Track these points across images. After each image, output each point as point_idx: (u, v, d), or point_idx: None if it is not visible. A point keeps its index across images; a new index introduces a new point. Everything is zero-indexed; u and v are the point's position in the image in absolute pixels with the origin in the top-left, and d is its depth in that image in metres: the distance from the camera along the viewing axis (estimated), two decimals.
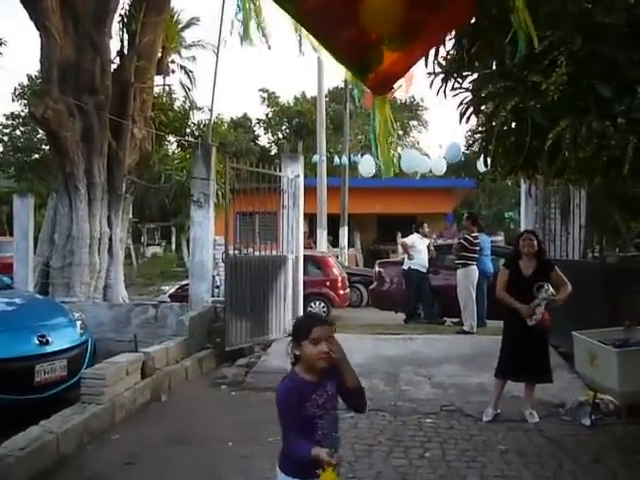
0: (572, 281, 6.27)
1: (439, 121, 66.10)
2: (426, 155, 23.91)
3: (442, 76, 4.38)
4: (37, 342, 6.44)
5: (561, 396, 6.66)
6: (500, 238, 24.33)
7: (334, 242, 22.82)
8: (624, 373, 5.21)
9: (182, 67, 17.83)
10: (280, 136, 43.20)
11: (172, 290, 13.96)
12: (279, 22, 3.02)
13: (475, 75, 4.23)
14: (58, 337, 6.72)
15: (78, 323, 7.30)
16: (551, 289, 5.91)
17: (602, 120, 3.16)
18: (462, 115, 4.27)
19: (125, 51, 12.44)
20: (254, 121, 43.99)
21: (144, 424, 6.07)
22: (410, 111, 44.40)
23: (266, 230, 10.69)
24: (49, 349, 6.51)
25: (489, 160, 4.50)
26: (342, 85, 28.82)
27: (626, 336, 5.76)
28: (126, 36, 12.48)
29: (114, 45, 12.92)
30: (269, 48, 2.87)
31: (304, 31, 3.22)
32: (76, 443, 5.27)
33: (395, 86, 3.30)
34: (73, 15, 11.29)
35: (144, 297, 15.47)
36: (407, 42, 3.09)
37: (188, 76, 17.92)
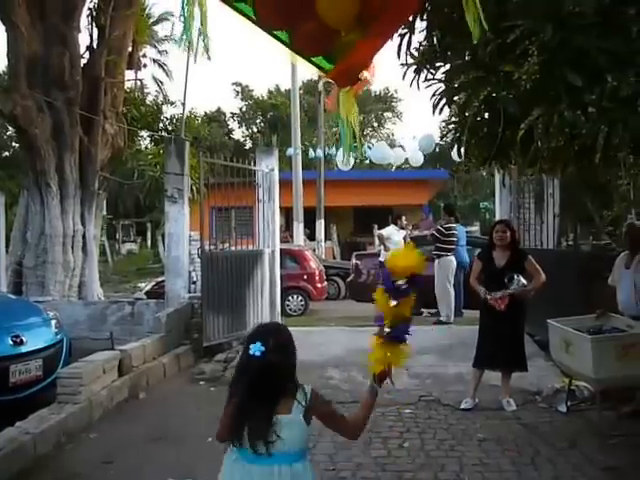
0: (546, 270, 6.33)
1: (414, 112, 66.28)
2: (401, 147, 23.91)
3: (415, 67, 4.38)
4: (11, 342, 6.34)
5: (537, 384, 6.74)
6: (475, 228, 24.53)
7: (311, 235, 22.81)
8: (598, 360, 5.27)
9: (155, 61, 17.71)
10: (254, 130, 43.10)
11: (148, 287, 13.88)
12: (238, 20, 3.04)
13: (447, 66, 4.24)
14: (33, 337, 6.63)
15: (53, 322, 7.21)
16: (522, 280, 5.98)
17: (574, 109, 3.18)
18: (435, 106, 4.28)
19: (95, 45, 12.24)
20: (228, 115, 43.82)
21: (122, 422, 6.02)
22: (384, 103, 44.49)
23: (242, 225, 10.65)
24: (24, 349, 6.42)
25: (462, 151, 4.52)
26: (316, 78, 28.77)
27: (600, 323, 5.85)
28: (95, 30, 12.28)
29: (83, 39, 12.76)
30: (209, 58, 2.90)
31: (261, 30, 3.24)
32: (53, 443, 5.21)
33: (361, 77, 3.31)
34: (40, 8, 11.07)
35: (120, 294, 15.33)
36: (364, 32, 3.11)
37: (163, 69, 17.78)
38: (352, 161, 21.59)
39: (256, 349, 2.44)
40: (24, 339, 6.46)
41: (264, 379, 2.45)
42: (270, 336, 2.54)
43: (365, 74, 3.31)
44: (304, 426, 2.50)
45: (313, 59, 3.49)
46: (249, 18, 3.22)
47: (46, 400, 5.91)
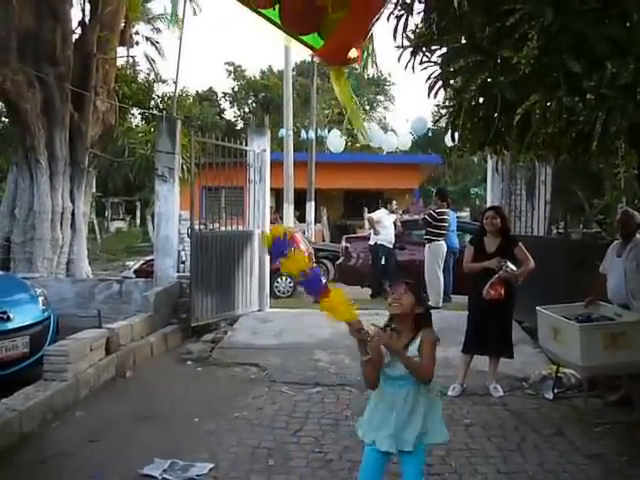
0: (537, 256, 6.35)
1: (406, 96, 66.09)
2: (393, 131, 23.85)
3: (411, 50, 4.32)
4: None
5: (525, 370, 6.78)
6: (466, 214, 24.59)
7: (301, 217, 22.76)
8: (586, 347, 5.29)
9: (147, 38, 17.49)
10: (246, 110, 42.81)
11: (137, 265, 13.77)
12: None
13: (444, 49, 4.18)
14: (19, 313, 6.58)
15: (40, 299, 7.15)
16: (511, 265, 5.99)
17: (572, 95, 3.15)
18: (430, 89, 4.22)
19: (87, 21, 12.07)
20: (220, 95, 43.49)
21: (109, 401, 6.00)
22: (377, 86, 44.30)
23: (232, 205, 10.60)
24: (10, 326, 6.38)
25: (457, 135, 4.49)
26: (309, 59, 28.59)
27: (589, 311, 5.87)
28: (88, 5, 12.11)
29: (75, 14, 12.57)
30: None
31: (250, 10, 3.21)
32: (39, 421, 5.18)
33: (350, 56, 3.29)
34: None
35: (108, 272, 15.25)
36: (350, 10, 3.08)
37: (155, 47, 17.57)
38: (341, 143, 21.54)
39: None
40: (11, 315, 6.41)
41: None
42: None
43: (354, 52, 3.28)
44: None
45: (303, 38, 3.46)
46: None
47: (32, 377, 5.87)
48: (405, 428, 3.21)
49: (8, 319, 6.38)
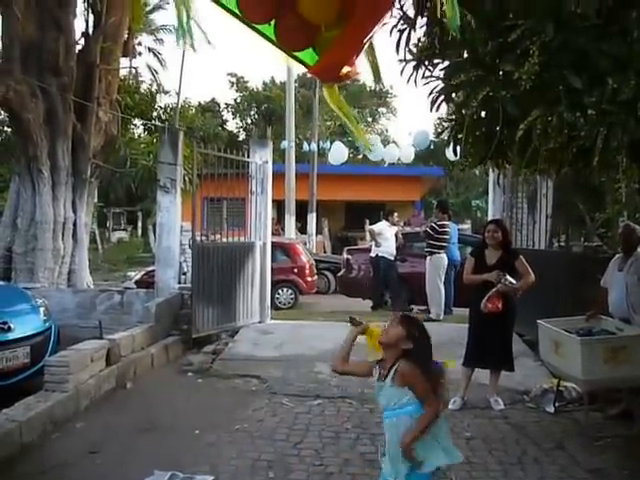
0: (538, 270, 6.35)
1: (408, 108, 66.21)
2: (394, 143, 23.91)
3: (413, 64, 4.36)
4: None
5: (526, 383, 6.76)
6: (467, 226, 24.55)
7: (302, 229, 22.79)
8: (587, 361, 5.29)
9: (150, 49, 17.54)
10: (249, 121, 42.92)
11: (138, 276, 13.79)
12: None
13: (446, 63, 4.22)
14: (21, 324, 6.58)
15: (41, 309, 7.16)
16: (510, 278, 6.00)
17: (573, 111, 3.17)
18: (433, 103, 4.26)
19: (90, 31, 12.13)
20: (222, 106, 43.61)
21: (109, 412, 5.99)
22: (379, 98, 44.43)
23: (234, 216, 10.61)
24: (11, 336, 6.38)
25: (459, 149, 4.51)
26: None
27: (590, 325, 5.87)
28: (91, 16, 12.18)
29: (79, 25, 12.59)
30: (209, 43, 3.01)
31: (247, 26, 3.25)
32: (40, 432, 5.17)
33: (342, 73, 3.32)
34: None
35: (109, 283, 15.28)
36: (344, 28, 3.12)
37: (157, 58, 17.62)
38: (344, 154, 21.60)
39: None
40: (12, 326, 6.41)
41: None
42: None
43: (347, 70, 3.32)
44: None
45: (297, 55, 3.49)
46: (235, 15, 3.24)
47: (33, 388, 5.86)
48: (396, 458, 3.13)
49: (9, 329, 6.38)
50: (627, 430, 5.39)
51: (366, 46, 3.39)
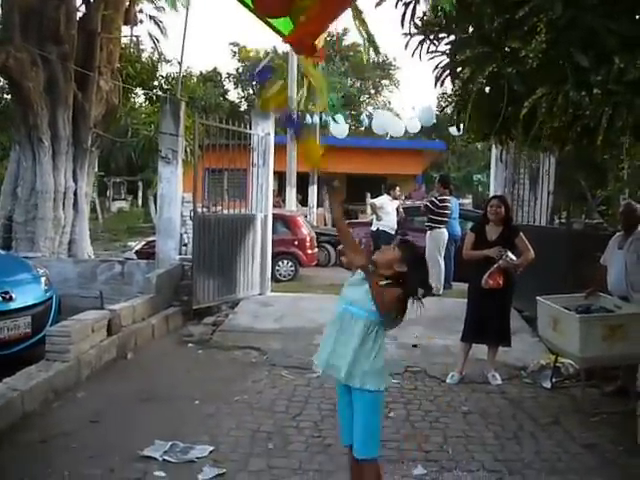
0: (538, 246, 6.36)
1: (412, 81, 65.61)
2: (397, 116, 23.76)
3: (418, 38, 4.31)
4: (0, 299, 6.33)
5: (523, 359, 6.82)
6: (468, 201, 24.48)
7: (303, 201, 22.72)
8: (585, 338, 5.33)
9: (151, 17, 17.24)
10: (250, 92, 42.54)
11: (138, 246, 13.80)
12: None
13: (452, 38, 4.17)
14: (22, 293, 6.61)
15: (42, 279, 7.19)
16: (511, 255, 6.01)
17: (578, 90, 3.15)
18: (438, 79, 4.22)
19: None
20: (224, 75, 43.21)
21: (110, 382, 6.04)
22: (382, 70, 44.00)
23: (235, 188, 10.59)
24: (12, 306, 6.42)
25: (463, 125, 4.48)
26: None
27: (589, 302, 5.90)
28: None
29: None
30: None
31: None
32: (41, 401, 5.23)
33: (317, 45, 3.29)
34: None
35: (110, 252, 15.30)
36: None
37: (158, 26, 17.34)
38: (345, 128, 21.49)
39: None
40: (13, 296, 6.45)
41: None
42: None
43: (321, 43, 3.28)
44: None
45: (273, 23, 3.45)
46: None
47: (34, 357, 5.91)
48: (337, 351, 3.28)
49: (10, 299, 6.42)
50: (623, 406, 5.43)
51: (357, 21, 3.37)
